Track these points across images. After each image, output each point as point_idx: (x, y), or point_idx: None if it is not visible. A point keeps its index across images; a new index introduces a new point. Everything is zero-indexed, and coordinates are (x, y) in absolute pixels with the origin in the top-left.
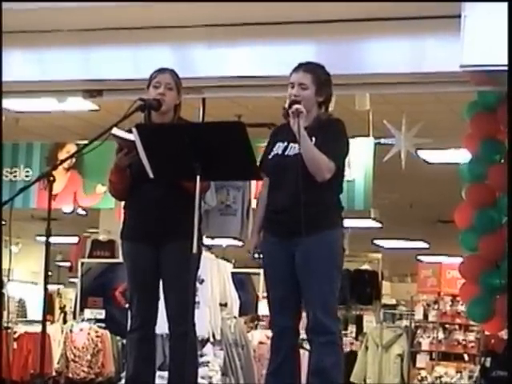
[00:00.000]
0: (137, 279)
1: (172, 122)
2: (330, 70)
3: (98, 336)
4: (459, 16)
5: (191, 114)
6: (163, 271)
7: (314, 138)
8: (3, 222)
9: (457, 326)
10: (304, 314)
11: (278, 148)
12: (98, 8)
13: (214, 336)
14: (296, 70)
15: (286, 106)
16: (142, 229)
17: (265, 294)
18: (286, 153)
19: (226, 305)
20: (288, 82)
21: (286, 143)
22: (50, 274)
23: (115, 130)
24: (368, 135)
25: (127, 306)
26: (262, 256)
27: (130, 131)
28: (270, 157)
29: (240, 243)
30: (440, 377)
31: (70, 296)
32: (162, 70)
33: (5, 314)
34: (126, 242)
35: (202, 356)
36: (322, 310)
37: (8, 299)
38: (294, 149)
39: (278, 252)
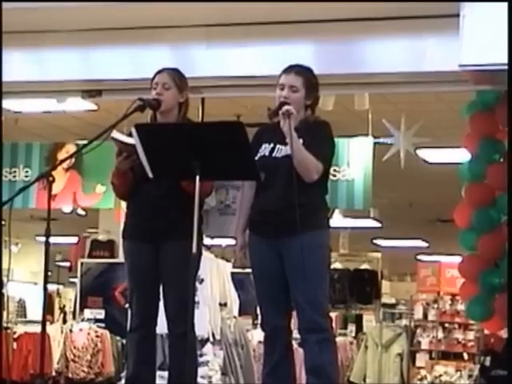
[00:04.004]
0: (137, 278)
1: (176, 121)
2: (329, 69)
3: (97, 336)
4: (458, 15)
5: (190, 114)
6: (162, 271)
7: (301, 140)
8: (3, 222)
9: (456, 325)
10: (294, 314)
11: (265, 149)
12: (97, 8)
13: (213, 336)
14: (287, 71)
15: (277, 106)
16: (143, 228)
17: None
18: (273, 154)
19: (225, 304)
20: (277, 83)
21: (272, 145)
22: (49, 273)
23: (115, 134)
24: (367, 134)
25: (127, 305)
26: (249, 256)
27: (130, 135)
28: (256, 159)
29: None
30: (439, 376)
31: (69, 296)
32: (160, 71)
33: (4, 314)
34: (126, 240)
35: (201, 356)
36: (313, 308)
37: (8, 299)
38: (281, 151)
39: (266, 251)
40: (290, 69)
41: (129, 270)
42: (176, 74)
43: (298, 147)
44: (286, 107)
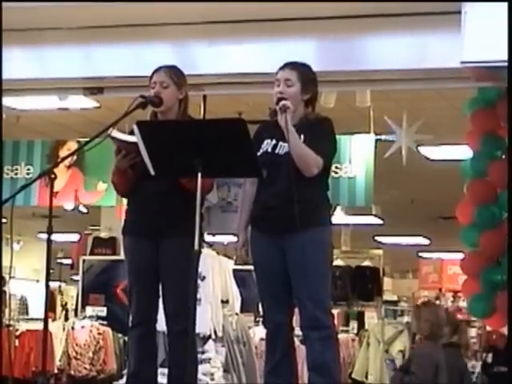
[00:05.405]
0: (136, 275)
1: (177, 118)
2: (331, 66)
3: (99, 333)
4: (459, 12)
5: (192, 111)
6: (162, 268)
7: (302, 136)
8: (4, 220)
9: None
10: (296, 311)
11: (267, 145)
12: (99, 5)
13: (215, 333)
14: (282, 67)
15: (274, 102)
16: (143, 224)
17: None
18: (276, 151)
19: (227, 301)
20: (274, 81)
21: (274, 141)
22: (51, 271)
23: (113, 132)
24: (369, 132)
25: (128, 303)
26: (251, 253)
27: (131, 133)
28: (258, 154)
29: None
30: None
31: (71, 293)
32: (157, 69)
33: (6, 311)
34: (126, 236)
35: (203, 353)
36: (315, 305)
37: (10, 297)
38: (284, 148)
39: (268, 248)
40: (286, 65)
41: (128, 267)
42: (173, 71)
43: (296, 142)
44: (282, 102)
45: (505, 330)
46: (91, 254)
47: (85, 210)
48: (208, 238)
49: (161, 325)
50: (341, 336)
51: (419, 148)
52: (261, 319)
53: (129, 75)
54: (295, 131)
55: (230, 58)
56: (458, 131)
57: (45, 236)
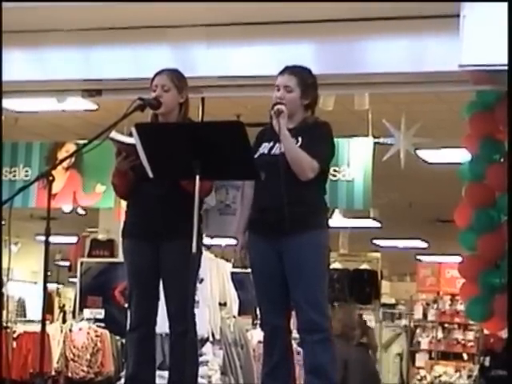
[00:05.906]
0: (136, 277)
1: (177, 121)
2: (329, 69)
3: (97, 335)
4: (458, 15)
5: (190, 113)
6: (162, 270)
7: (300, 138)
8: (3, 222)
9: (456, 326)
10: (293, 313)
11: (264, 148)
12: (98, 7)
13: (213, 335)
14: (282, 72)
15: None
16: (142, 226)
17: None
18: (272, 152)
19: (225, 304)
20: (274, 85)
21: (272, 143)
22: (49, 273)
23: (113, 134)
24: (367, 135)
25: (126, 305)
26: (248, 255)
27: (130, 135)
28: (256, 156)
29: None
30: (439, 376)
31: (69, 295)
32: (159, 72)
33: (4, 313)
34: (126, 239)
35: (201, 355)
36: (312, 308)
37: (7, 299)
38: (280, 148)
39: (265, 251)
40: (285, 69)
41: (128, 270)
42: (175, 75)
43: (291, 146)
44: (276, 106)
45: (502, 334)
46: (89, 256)
47: (83, 212)
48: (206, 240)
49: (158, 327)
50: None
51: (417, 151)
52: (258, 322)
53: (127, 77)
54: (293, 134)
55: (228, 61)
56: (456, 134)
57: (43, 238)
